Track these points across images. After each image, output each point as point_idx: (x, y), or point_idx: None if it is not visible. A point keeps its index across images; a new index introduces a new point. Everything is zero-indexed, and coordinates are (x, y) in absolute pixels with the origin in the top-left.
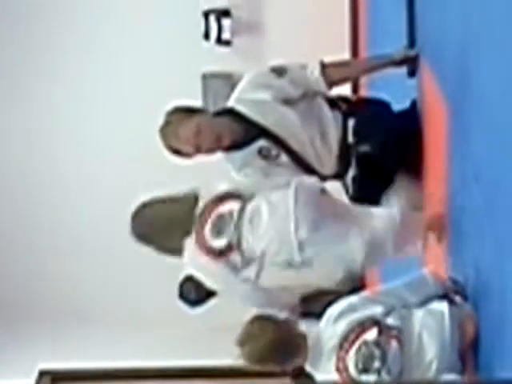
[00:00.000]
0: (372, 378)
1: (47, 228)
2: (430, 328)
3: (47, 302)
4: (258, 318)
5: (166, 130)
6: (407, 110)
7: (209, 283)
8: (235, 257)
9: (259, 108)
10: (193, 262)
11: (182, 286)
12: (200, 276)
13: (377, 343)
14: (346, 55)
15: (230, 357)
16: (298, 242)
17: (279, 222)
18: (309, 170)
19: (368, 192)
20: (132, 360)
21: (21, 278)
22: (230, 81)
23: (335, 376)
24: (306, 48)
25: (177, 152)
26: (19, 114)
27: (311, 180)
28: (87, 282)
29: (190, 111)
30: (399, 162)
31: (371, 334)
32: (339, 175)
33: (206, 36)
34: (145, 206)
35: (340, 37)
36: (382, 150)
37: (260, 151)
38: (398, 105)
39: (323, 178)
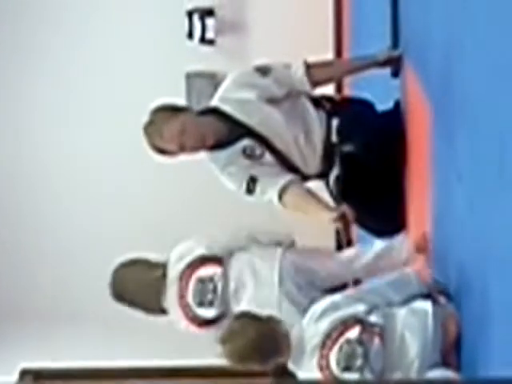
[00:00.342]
0: (354, 376)
1: (34, 228)
2: (413, 327)
3: (31, 302)
4: (241, 317)
5: (150, 129)
6: (391, 111)
7: None
8: (225, 321)
9: (244, 107)
10: (181, 326)
11: None
12: None
13: (359, 341)
14: (329, 55)
15: (215, 356)
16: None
17: (263, 297)
18: (293, 169)
19: (351, 192)
20: (115, 360)
21: (6, 278)
22: (213, 80)
23: (318, 374)
24: (289, 47)
25: (161, 151)
26: (5, 113)
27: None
28: (73, 282)
29: (174, 110)
30: (382, 162)
31: (353, 332)
32: (323, 175)
33: (190, 35)
34: (118, 270)
35: (324, 36)
36: (365, 149)
37: (244, 150)
38: (382, 105)
39: (307, 178)
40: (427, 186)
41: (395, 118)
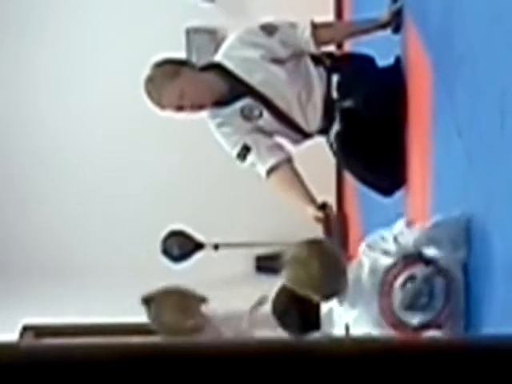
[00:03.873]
0: (415, 315)
1: (37, 182)
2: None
3: (33, 258)
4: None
5: (149, 87)
6: (391, 66)
7: None
8: None
9: (246, 66)
10: None
11: (165, 241)
12: None
13: (426, 279)
14: (330, 16)
15: None
16: None
17: None
18: (294, 127)
19: (351, 147)
20: (116, 316)
21: (7, 234)
22: (213, 36)
23: (377, 315)
24: (290, 4)
25: (160, 106)
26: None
27: None
28: (74, 239)
29: (175, 66)
30: (383, 118)
31: (418, 269)
32: (323, 131)
33: None
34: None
35: None
36: (365, 104)
37: (242, 110)
38: (382, 61)
39: (307, 135)
40: (428, 140)
41: (396, 73)
